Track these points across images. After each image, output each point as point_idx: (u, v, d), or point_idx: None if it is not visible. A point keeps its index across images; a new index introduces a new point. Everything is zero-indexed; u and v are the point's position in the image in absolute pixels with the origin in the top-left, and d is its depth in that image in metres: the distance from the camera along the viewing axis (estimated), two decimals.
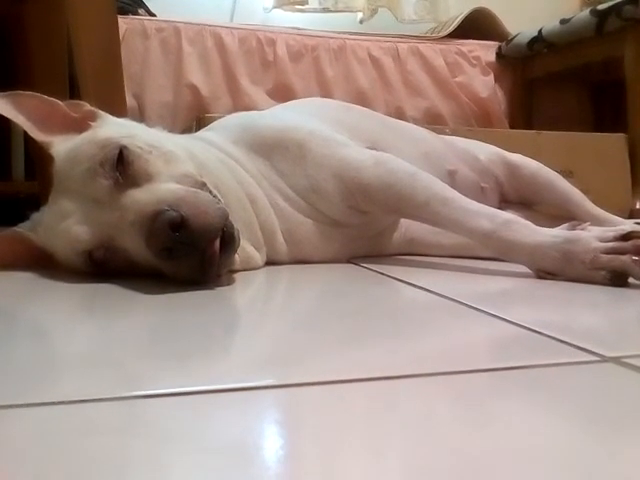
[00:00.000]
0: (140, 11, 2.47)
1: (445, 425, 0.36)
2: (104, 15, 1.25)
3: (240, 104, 2.26)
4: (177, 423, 0.35)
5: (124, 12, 2.26)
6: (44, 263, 0.86)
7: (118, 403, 0.38)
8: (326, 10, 2.90)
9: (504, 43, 2.71)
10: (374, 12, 2.90)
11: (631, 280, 0.76)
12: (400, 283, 0.84)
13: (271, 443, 0.34)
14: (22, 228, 0.89)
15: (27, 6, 1.48)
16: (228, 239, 0.75)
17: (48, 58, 1.48)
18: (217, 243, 0.73)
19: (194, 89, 2.28)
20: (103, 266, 0.79)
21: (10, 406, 0.37)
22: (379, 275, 0.91)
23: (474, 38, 2.73)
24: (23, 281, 0.85)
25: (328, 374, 0.44)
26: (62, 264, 0.84)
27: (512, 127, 2.63)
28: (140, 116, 2.16)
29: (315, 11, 2.91)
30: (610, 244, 0.78)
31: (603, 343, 0.51)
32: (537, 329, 0.55)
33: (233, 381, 0.42)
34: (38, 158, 1.40)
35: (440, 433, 0.34)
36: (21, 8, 1.48)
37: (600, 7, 2.38)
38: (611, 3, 2.34)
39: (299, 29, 2.57)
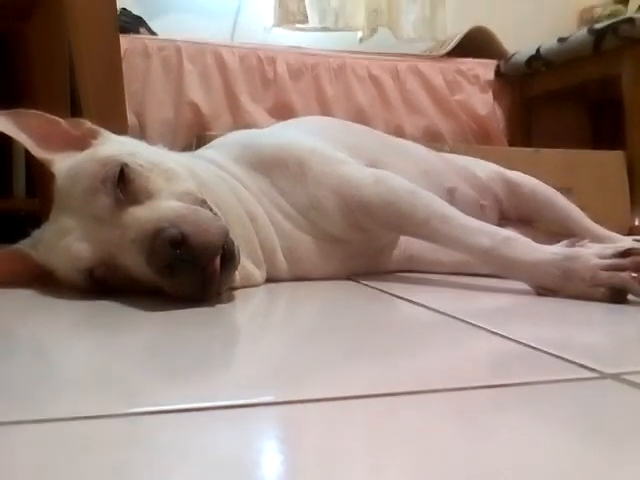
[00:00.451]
0: (141, 30, 2.49)
1: (445, 441, 0.36)
2: (106, 32, 1.26)
3: (240, 122, 2.27)
4: (176, 439, 0.35)
5: (126, 31, 2.28)
6: (44, 280, 0.86)
7: (117, 419, 0.38)
8: (326, 29, 2.93)
9: (502, 61, 2.73)
10: (374, 31, 2.92)
11: (630, 297, 0.76)
12: (400, 300, 0.84)
13: (271, 459, 0.34)
14: (23, 245, 0.89)
15: (29, 23, 1.49)
16: (228, 256, 0.75)
17: (49, 75, 1.49)
18: (217, 260, 0.73)
19: (195, 107, 2.29)
20: (103, 283, 0.80)
21: (9, 423, 0.37)
22: (379, 292, 0.91)
23: (473, 56, 2.75)
24: (23, 298, 0.85)
25: (328, 390, 0.44)
26: (62, 281, 0.84)
27: (511, 145, 2.64)
28: (141, 134, 2.17)
29: (315, 30, 2.93)
30: (609, 261, 0.78)
31: (602, 360, 0.51)
32: (537, 346, 0.55)
33: (232, 398, 0.42)
34: (39, 175, 1.41)
35: (440, 449, 0.34)
36: (23, 25, 1.50)
37: (597, 26, 2.40)
38: (608, 22, 2.36)
39: (299, 48, 2.59)
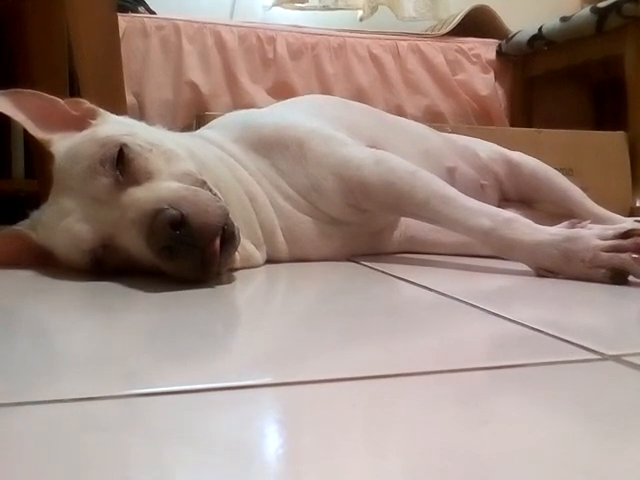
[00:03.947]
0: (140, 9, 2.46)
1: (445, 423, 0.36)
2: (104, 12, 1.25)
3: (240, 102, 2.25)
4: (176, 421, 0.35)
5: (124, 10, 2.26)
6: (44, 262, 0.86)
7: (117, 401, 0.38)
8: (326, 8, 2.90)
9: (504, 41, 2.70)
10: (374, 10, 2.89)
11: (631, 278, 0.76)
12: (400, 281, 0.84)
13: (270, 441, 0.34)
14: (22, 226, 0.89)
15: (27, 3, 1.48)
16: (228, 237, 0.75)
17: (48, 55, 1.48)
18: (217, 242, 0.73)
19: (194, 87, 2.28)
20: (103, 265, 0.79)
21: (10, 404, 0.37)
22: (379, 273, 0.91)
23: (474, 36, 2.73)
24: (23, 280, 0.85)
25: (327, 372, 0.44)
26: (62, 262, 0.84)
27: (512, 125, 2.62)
28: (140, 114, 2.15)
29: (315, 9, 2.90)
30: (610, 242, 0.78)
31: (603, 341, 0.51)
32: (537, 327, 0.55)
33: (232, 379, 0.42)
34: (38, 156, 1.40)
35: (440, 431, 0.34)
36: (21, 5, 1.48)
37: (600, 5, 2.37)
38: (611, 1, 2.33)
39: (299, 27, 2.56)
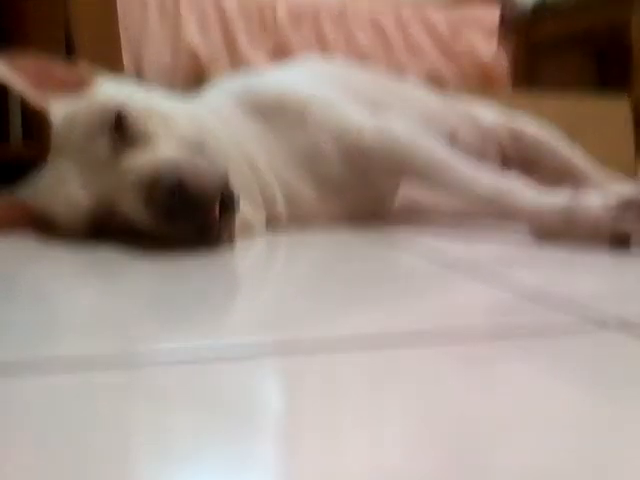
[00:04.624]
0: None
1: (447, 389, 0.35)
2: None
3: (239, 66, 2.23)
4: (178, 386, 0.35)
5: None
6: (43, 227, 0.85)
7: (118, 366, 0.38)
8: None
9: (508, 6, 2.66)
10: None
11: (634, 244, 0.76)
12: (400, 247, 0.83)
13: (271, 406, 0.34)
14: (20, 192, 0.88)
15: None
16: (228, 203, 0.74)
17: (44, 19, 1.46)
18: (216, 207, 0.72)
19: (193, 52, 2.25)
20: (103, 230, 0.79)
21: (10, 370, 0.37)
22: (379, 239, 0.90)
23: (478, 1, 2.69)
24: (21, 246, 0.85)
25: (329, 338, 0.44)
26: (61, 228, 0.83)
27: (515, 90, 2.60)
28: (138, 78, 2.13)
29: None
30: (612, 209, 0.77)
31: (605, 308, 0.51)
32: (538, 294, 0.54)
33: (234, 345, 0.42)
34: (36, 121, 1.39)
35: (442, 397, 0.34)
36: None
37: None
38: None
39: None
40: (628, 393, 0.35)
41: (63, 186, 0.79)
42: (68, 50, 1.40)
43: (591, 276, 0.69)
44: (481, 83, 2.58)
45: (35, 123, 1.45)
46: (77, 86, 0.88)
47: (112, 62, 1.17)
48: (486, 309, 0.56)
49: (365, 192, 1.05)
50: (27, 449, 0.28)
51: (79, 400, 0.33)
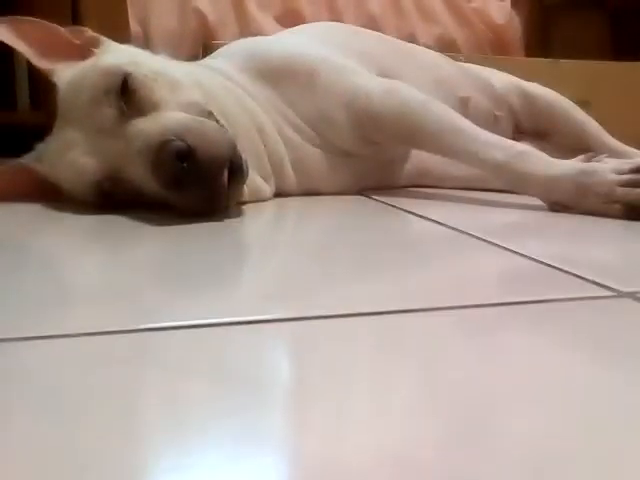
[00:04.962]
0: None
1: (455, 357, 0.35)
2: None
3: (247, 30, 2.19)
4: (188, 355, 0.35)
5: None
6: (50, 195, 0.85)
7: (128, 335, 0.38)
8: None
9: None
10: None
11: None
12: (411, 215, 0.83)
13: (281, 375, 0.34)
14: (27, 159, 0.88)
15: None
16: (236, 169, 0.73)
17: None
18: (225, 173, 0.72)
19: (200, 15, 2.22)
20: (110, 197, 0.78)
21: (20, 338, 0.37)
22: (389, 207, 0.90)
23: None
24: (29, 213, 0.84)
25: (336, 307, 0.43)
26: (68, 195, 0.83)
27: (528, 55, 2.55)
28: (145, 43, 2.11)
29: None
30: (626, 177, 0.76)
31: (618, 278, 0.50)
32: (550, 263, 0.54)
33: (242, 314, 0.41)
34: (43, 87, 1.38)
35: (450, 365, 0.34)
36: None
37: None
38: None
39: None
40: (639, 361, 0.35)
41: (70, 153, 0.79)
42: (74, 15, 1.38)
43: (603, 245, 0.68)
44: (494, 48, 2.54)
45: (43, 89, 1.44)
46: (83, 51, 0.86)
47: (119, 27, 1.16)
48: (496, 277, 0.55)
49: (375, 159, 1.04)
50: (39, 417, 0.27)
51: (88, 369, 0.33)
